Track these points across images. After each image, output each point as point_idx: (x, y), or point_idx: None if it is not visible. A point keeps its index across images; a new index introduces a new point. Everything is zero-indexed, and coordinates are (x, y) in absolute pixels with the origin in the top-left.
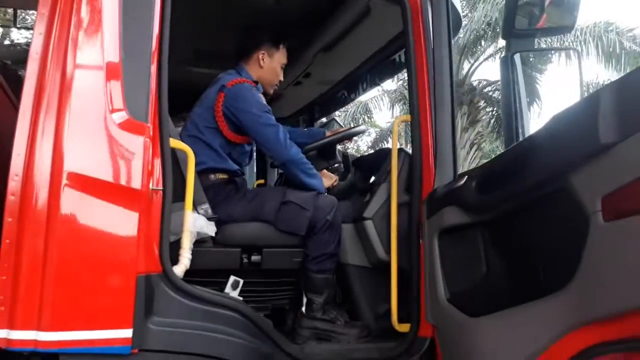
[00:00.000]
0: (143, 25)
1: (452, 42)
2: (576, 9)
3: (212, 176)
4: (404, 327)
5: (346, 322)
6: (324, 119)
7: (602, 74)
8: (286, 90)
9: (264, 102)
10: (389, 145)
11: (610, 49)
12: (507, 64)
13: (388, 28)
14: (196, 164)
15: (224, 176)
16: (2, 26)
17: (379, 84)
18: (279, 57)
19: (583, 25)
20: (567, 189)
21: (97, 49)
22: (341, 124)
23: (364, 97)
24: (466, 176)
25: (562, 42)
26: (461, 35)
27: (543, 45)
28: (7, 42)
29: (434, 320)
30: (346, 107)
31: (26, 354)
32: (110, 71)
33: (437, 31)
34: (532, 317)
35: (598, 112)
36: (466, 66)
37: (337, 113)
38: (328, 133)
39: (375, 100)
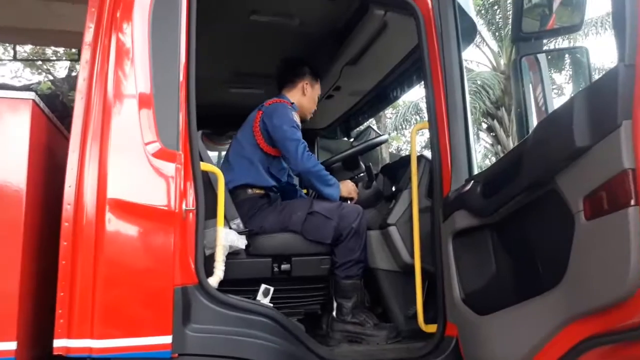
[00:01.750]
0: (170, 60)
1: (462, 49)
2: (584, 6)
3: (249, 190)
4: (431, 328)
5: (375, 324)
6: (360, 127)
7: None
8: (319, 103)
9: (296, 119)
10: None
11: None
12: (516, 67)
13: (408, 39)
14: (236, 180)
15: (260, 191)
16: (70, 60)
17: (407, 91)
18: (317, 89)
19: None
20: (555, 191)
21: (131, 86)
22: (378, 131)
23: (413, 97)
24: (472, 181)
25: None
26: None
27: None
28: (74, 74)
29: (453, 319)
30: (397, 108)
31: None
32: (144, 105)
33: (445, 40)
34: (531, 314)
35: (573, 118)
36: None
37: (388, 115)
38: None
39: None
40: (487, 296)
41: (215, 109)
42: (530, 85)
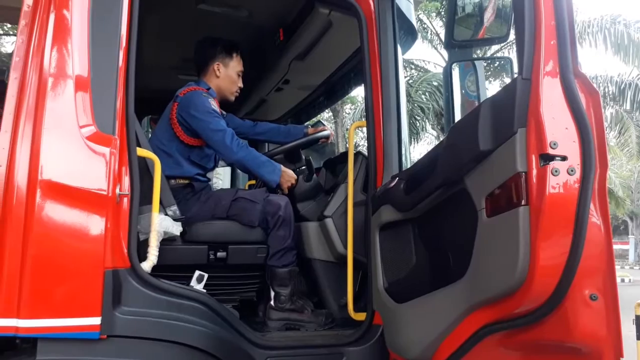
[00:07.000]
0: (110, 44)
1: (399, 53)
2: (510, 19)
3: (172, 181)
4: (360, 316)
5: (312, 310)
6: (312, 121)
7: (612, 66)
8: (269, 95)
9: (214, 107)
10: None
11: (619, 41)
12: (446, 74)
13: (353, 39)
14: None
15: (183, 181)
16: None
17: (355, 89)
18: (234, 65)
19: (590, 18)
20: (465, 190)
21: (68, 68)
22: (326, 126)
23: None
24: (397, 178)
25: None
26: None
27: None
28: None
29: (377, 307)
30: (356, 104)
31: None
32: (80, 88)
33: (383, 42)
34: (440, 302)
35: (478, 124)
36: None
37: (346, 110)
38: (311, 130)
39: None
40: (406, 285)
41: (164, 94)
42: (464, 90)
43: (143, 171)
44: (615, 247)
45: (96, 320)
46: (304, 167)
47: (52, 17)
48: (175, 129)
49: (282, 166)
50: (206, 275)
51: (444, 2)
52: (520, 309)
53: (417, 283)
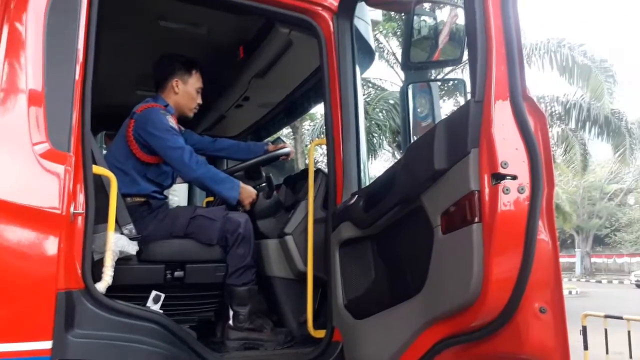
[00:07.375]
0: (66, 58)
1: (357, 73)
2: (464, 43)
3: (128, 199)
4: (320, 333)
5: (272, 329)
6: (272, 138)
7: (558, 88)
8: (228, 112)
9: (172, 124)
10: None
11: (564, 63)
12: (403, 94)
13: (313, 58)
14: None
15: (140, 199)
16: None
17: (315, 106)
18: (193, 82)
19: (538, 42)
20: (422, 207)
21: (21, 83)
22: (286, 143)
23: None
24: (357, 195)
25: None
26: None
27: None
28: None
29: (337, 324)
30: (315, 120)
31: None
32: (34, 103)
33: (342, 62)
34: (398, 318)
35: (433, 144)
36: None
37: (305, 126)
38: (271, 147)
39: None
40: (365, 301)
41: (121, 110)
42: (419, 110)
43: (98, 189)
44: (562, 260)
45: (47, 345)
46: (264, 184)
47: (5, 30)
48: (131, 146)
49: (241, 182)
50: (163, 296)
51: (400, 24)
52: (475, 322)
53: (375, 299)
